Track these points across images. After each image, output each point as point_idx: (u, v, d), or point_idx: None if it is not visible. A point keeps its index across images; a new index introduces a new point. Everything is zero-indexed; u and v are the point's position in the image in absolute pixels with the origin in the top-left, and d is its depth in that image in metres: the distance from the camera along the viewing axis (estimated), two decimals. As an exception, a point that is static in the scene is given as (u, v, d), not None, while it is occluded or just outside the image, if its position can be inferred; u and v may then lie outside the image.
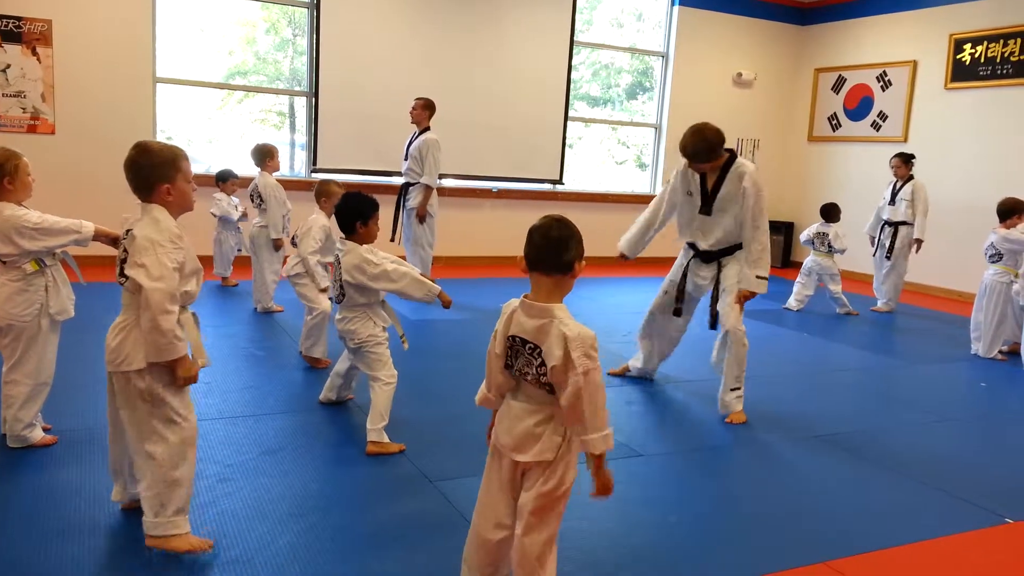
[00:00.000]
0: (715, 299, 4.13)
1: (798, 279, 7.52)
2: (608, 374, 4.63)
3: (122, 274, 2.39)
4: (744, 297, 4.01)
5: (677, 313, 4.30)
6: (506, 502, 2.10)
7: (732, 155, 4.03)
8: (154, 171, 2.38)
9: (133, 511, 2.68)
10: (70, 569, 2.34)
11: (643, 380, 4.70)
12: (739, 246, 4.08)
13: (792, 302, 7.48)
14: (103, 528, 2.59)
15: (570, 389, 1.92)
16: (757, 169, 4.04)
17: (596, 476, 2.03)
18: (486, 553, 2.14)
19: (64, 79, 7.22)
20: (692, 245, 4.26)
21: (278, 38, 8.77)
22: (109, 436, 2.62)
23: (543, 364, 1.97)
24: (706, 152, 3.92)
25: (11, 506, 2.70)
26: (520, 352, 2.01)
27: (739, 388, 4.09)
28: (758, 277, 3.95)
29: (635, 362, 4.70)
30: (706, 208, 4.08)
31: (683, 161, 4.11)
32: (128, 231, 2.39)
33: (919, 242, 7.46)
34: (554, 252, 1.97)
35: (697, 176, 4.11)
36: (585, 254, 2.03)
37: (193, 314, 2.51)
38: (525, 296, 2.03)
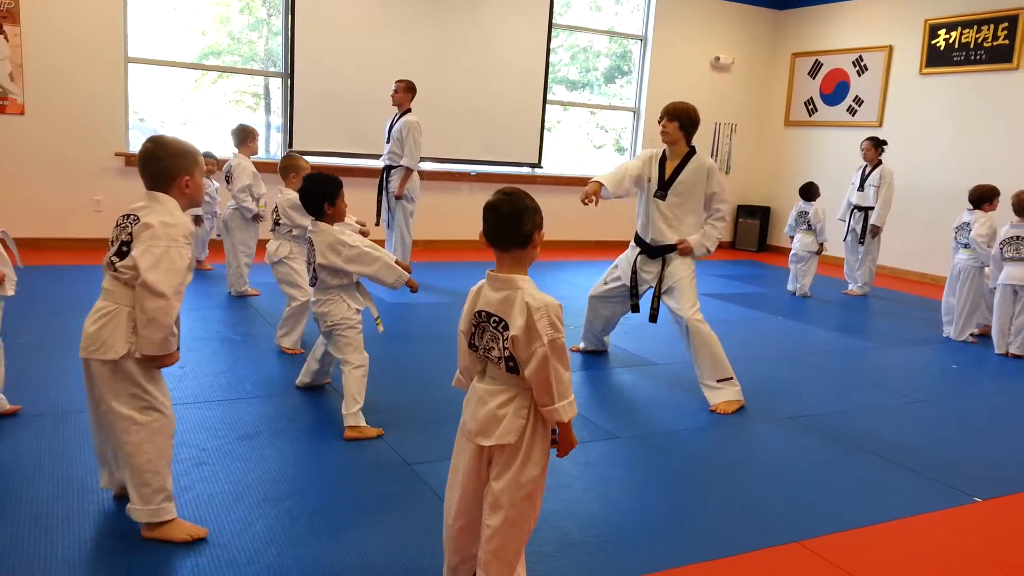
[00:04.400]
0: (656, 295, 4.26)
1: (790, 264, 7.61)
2: (570, 350, 4.80)
3: (118, 255, 2.29)
4: (684, 250, 4.16)
5: (635, 309, 4.43)
6: (470, 490, 2.06)
7: (693, 149, 4.20)
8: (174, 162, 2.36)
9: (119, 497, 2.66)
10: (44, 558, 2.32)
11: (600, 354, 4.95)
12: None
13: (793, 287, 7.58)
14: (76, 515, 2.56)
15: (535, 360, 1.90)
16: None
17: (565, 439, 2.03)
18: (449, 542, 2.13)
19: (33, 58, 7.07)
20: (640, 241, 4.36)
21: (252, 18, 8.64)
22: (91, 424, 2.58)
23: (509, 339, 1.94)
24: (686, 117, 4.11)
25: (-18, 492, 2.66)
26: (486, 328, 1.98)
27: (730, 377, 4.05)
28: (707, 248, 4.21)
29: (584, 343, 4.95)
30: (662, 192, 4.20)
31: (648, 152, 4.33)
32: (131, 216, 2.32)
33: (877, 229, 7.55)
34: (508, 228, 1.97)
35: (656, 165, 4.25)
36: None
37: None
38: (490, 271, 2.03)
